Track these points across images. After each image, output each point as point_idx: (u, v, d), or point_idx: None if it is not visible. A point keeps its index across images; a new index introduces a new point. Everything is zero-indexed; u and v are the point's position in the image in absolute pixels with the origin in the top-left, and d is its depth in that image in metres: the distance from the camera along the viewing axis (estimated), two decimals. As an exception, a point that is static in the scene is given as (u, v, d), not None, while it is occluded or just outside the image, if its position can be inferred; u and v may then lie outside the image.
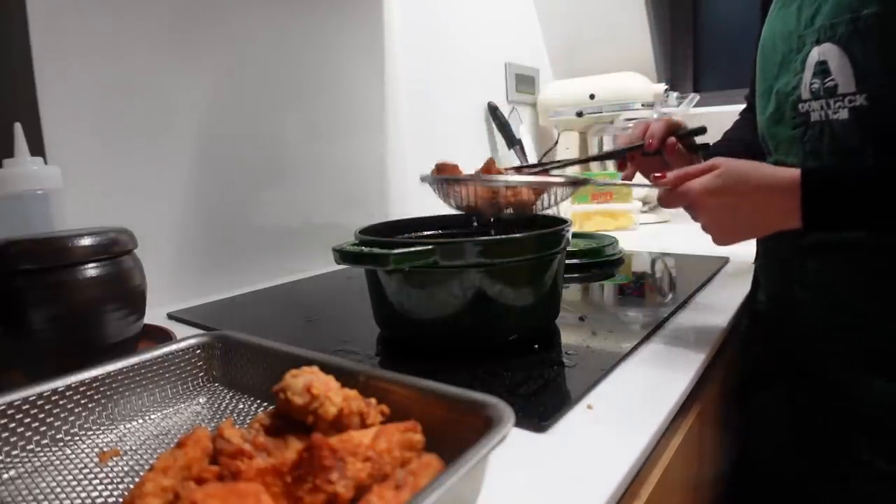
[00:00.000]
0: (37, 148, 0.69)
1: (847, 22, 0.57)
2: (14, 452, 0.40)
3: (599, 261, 1.03)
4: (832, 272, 0.66)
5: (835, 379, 0.67)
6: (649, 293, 0.88)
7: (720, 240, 0.61)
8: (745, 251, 0.90)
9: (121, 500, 0.36)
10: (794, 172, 0.55)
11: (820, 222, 0.55)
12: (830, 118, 0.61)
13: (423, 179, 0.69)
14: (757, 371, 0.82)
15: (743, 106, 0.93)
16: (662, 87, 1.68)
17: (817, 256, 0.67)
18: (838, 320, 0.66)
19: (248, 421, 0.45)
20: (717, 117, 1.06)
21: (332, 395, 0.36)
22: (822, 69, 0.61)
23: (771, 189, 0.55)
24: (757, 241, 0.82)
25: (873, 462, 0.62)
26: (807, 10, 0.62)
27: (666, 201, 0.62)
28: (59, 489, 0.38)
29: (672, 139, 0.79)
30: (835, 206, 0.55)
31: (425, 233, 0.78)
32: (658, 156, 0.80)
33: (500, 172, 0.68)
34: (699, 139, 0.83)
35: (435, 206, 0.73)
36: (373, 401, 0.39)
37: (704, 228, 0.61)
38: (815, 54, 0.61)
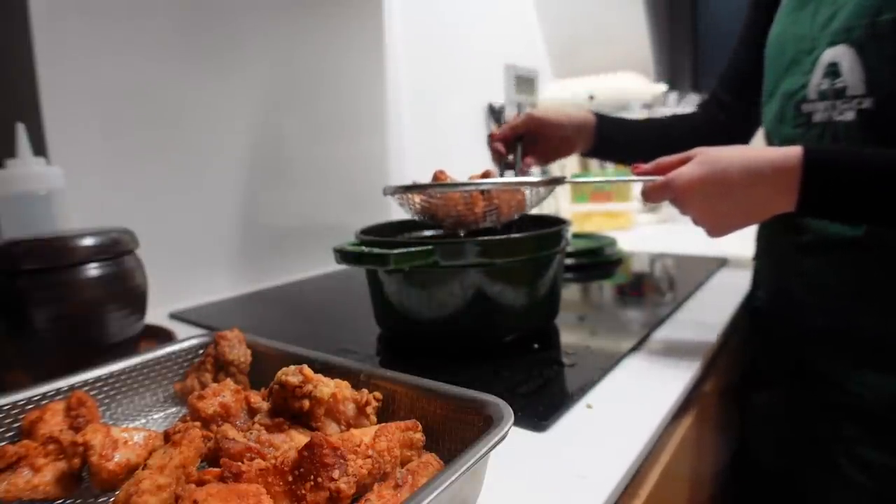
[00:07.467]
0: (39, 148, 0.69)
1: (865, 26, 0.58)
2: (17, 451, 0.40)
3: (599, 261, 1.04)
4: (829, 270, 0.66)
5: (829, 373, 0.67)
6: (648, 293, 0.88)
7: (715, 232, 0.57)
8: (744, 250, 0.91)
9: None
10: (791, 151, 0.52)
11: (816, 206, 0.52)
12: (835, 119, 0.62)
13: (385, 192, 0.65)
14: (755, 368, 0.82)
15: None
16: (662, 87, 1.68)
17: (815, 254, 0.67)
18: (835, 317, 0.66)
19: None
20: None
21: (325, 380, 0.39)
22: (833, 70, 0.61)
23: (761, 171, 0.52)
24: (756, 238, 0.82)
25: (865, 452, 0.63)
26: (823, 12, 0.63)
27: (650, 194, 0.58)
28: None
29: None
30: (836, 190, 0.51)
31: (425, 233, 0.78)
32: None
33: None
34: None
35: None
36: (364, 391, 0.39)
37: (696, 222, 0.58)
38: (828, 56, 0.62)
